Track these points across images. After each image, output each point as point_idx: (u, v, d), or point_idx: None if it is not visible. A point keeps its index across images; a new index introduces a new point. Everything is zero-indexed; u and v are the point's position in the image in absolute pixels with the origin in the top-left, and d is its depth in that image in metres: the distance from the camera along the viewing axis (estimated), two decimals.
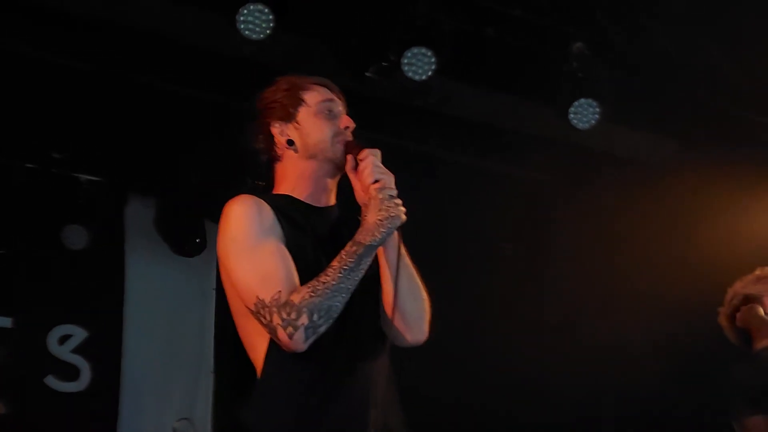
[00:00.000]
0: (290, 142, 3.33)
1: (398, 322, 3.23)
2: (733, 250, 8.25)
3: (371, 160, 3.19)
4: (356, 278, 3.06)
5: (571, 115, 7.07)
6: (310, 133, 3.32)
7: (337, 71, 6.40)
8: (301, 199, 3.32)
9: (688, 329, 8.55)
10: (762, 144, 8.03)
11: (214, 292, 8.67)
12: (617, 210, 8.38)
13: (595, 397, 9.22)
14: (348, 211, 3.41)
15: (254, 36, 5.99)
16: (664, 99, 7.60)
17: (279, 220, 3.18)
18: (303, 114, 3.34)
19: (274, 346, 3.11)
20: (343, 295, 3.03)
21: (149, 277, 8.47)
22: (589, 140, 7.75)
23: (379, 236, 3.08)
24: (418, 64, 6.46)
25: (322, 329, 3.01)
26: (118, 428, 8.13)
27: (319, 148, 3.31)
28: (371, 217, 3.10)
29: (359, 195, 3.27)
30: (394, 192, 3.14)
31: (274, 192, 3.37)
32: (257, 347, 3.17)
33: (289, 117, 3.34)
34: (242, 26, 5.96)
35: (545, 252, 9.28)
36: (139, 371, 8.31)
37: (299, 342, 3.00)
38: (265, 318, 3.04)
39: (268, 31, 5.99)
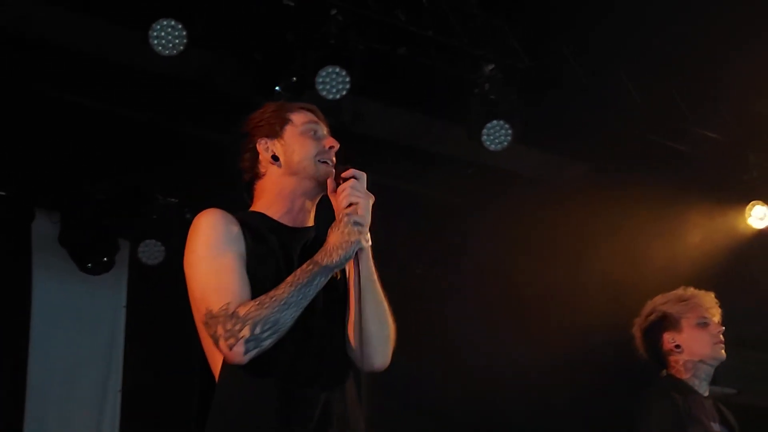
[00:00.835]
0: (275, 158, 3.37)
1: (363, 347, 3.23)
2: (635, 272, 8.38)
3: (351, 183, 3.22)
4: (308, 295, 3.07)
5: (484, 137, 7.13)
6: (294, 150, 3.36)
7: (248, 87, 6.40)
8: (275, 218, 3.35)
9: (590, 351, 8.67)
10: (668, 167, 8.16)
11: (124, 309, 8.59)
12: (525, 230, 8.46)
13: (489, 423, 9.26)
14: (325, 233, 3.40)
15: (167, 51, 5.95)
16: (573, 121, 7.70)
17: (245, 235, 3.22)
18: (289, 132, 3.39)
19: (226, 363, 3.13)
20: (292, 310, 3.04)
21: (56, 293, 8.37)
22: (498, 161, 7.82)
23: (336, 258, 3.09)
24: (332, 83, 6.48)
25: (267, 343, 3.02)
26: None
27: (302, 166, 3.34)
28: (332, 238, 3.12)
29: (336, 213, 3.27)
30: (362, 219, 3.15)
31: (251, 209, 3.40)
32: (214, 357, 3.18)
33: (275, 134, 3.39)
34: (155, 41, 5.91)
35: (455, 272, 9.34)
36: (44, 390, 8.20)
37: (239, 354, 3.01)
38: (211, 328, 3.06)
39: (181, 47, 5.95)
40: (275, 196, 3.38)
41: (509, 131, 7.18)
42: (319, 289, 3.12)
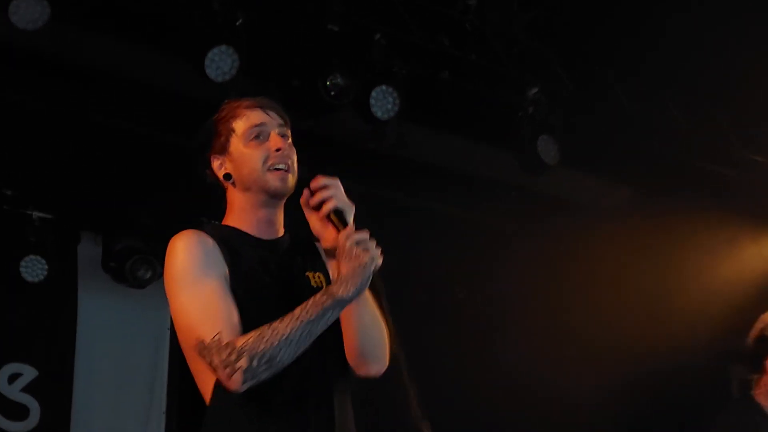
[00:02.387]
0: (227, 176, 3.21)
1: (361, 355, 3.15)
2: (681, 298, 8.33)
3: (327, 190, 3.09)
4: (315, 331, 2.94)
5: (537, 150, 7.09)
6: (242, 164, 3.19)
7: (293, 113, 6.42)
8: (248, 232, 3.21)
9: (633, 377, 8.60)
10: (714, 192, 8.11)
11: (168, 331, 8.62)
12: (570, 255, 8.41)
13: None
14: (300, 238, 3.31)
15: (219, 78, 5.93)
16: (618, 146, 7.66)
17: (223, 252, 3.09)
18: (234, 144, 3.21)
19: (219, 386, 3.03)
20: (293, 347, 2.92)
21: (102, 315, 8.43)
22: (542, 185, 7.80)
23: (352, 289, 2.94)
24: (383, 101, 6.47)
25: (264, 376, 2.92)
26: None
27: (252, 179, 3.17)
28: (343, 267, 2.95)
29: (315, 229, 3.17)
30: (363, 237, 2.99)
31: (224, 223, 3.26)
32: (204, 382, 3.09)
33: (223, 149, 3.22)
34: (209, 68, 5.90)
35: (498, 297, 9.31)
36: (89, 411, 8.25)
37: (236, 383, 2.91)
38: (206, 358, 2.96)
39: (233, 72, 5.95)
40: (240, 211, 3.22)
41: (557, 148, 7.16)
42: (329, 323, 2.98)
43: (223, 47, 5.91)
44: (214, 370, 2.96)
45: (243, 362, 2.90)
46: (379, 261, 2.99)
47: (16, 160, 7.25)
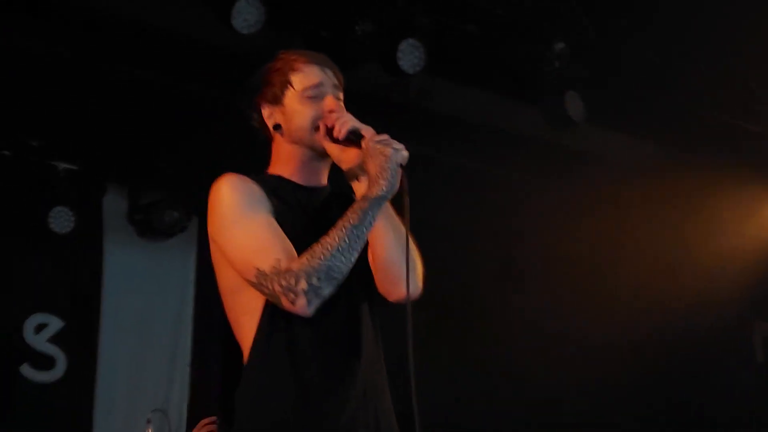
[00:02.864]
0: (276, 127, 3.31)
1: (391, 275, 3.20)
2: (705, 253, 8.32)
3: (343, 115, 3.19)
4: (360, 235, 3.02)
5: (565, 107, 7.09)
6: (293, 118, 3.27)
7: None
8: (291, 179, 3.29)
9: (665, 329, 8.62)
10: (739, 149, 8.08)
11: (192, 284, 8.67)
12: (593, 209, 8.42)
13: (584, 397, 9.21)
14: (340, 190, 3.39)
15: (245, 30, 5.93)
16: (643, 101, 7.64)
17: (267, 195, 3.17)
18: (289, 98, 3.29)
19: (263, 325, 3.10)
20: (346, 254, 2.99)
21: (127, 267, 8.48)
22: (567, 140, 7.79)
23: (384, 183, 3.04)
24: (410, 56, 6.45)
25: (326, 292, 2.98)
26: (93, 418, 8.14)
27: (299, 135, 3.27)
28: (371, 166, 3.06)
29: (336, 157, 3.25)
30: (386, 136, 3.10)
31: (267, 171, 3.35)
32: (244, 326, 3.14)
33: (276, 100, 3.30)
34: (235, 20, 5.89)
35: (520, 250, 9.32)
36: (114, 361, 8.32)
37: (303, 307, 2.98)
38: (267, 288, 3.02)
39: (259, 25, 5.95)
40: (287, 160, 3.32)
41: (583, 104, 7.15)
42: (372, 225, 3.05)
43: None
44: (277, 299, 3.01)
45: (303, 284, 2.96)
46: (405, 153, 3.08)
47: (42, 111, 7.26)
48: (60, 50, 6.68)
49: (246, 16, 5.92)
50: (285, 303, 3.00)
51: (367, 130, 3.16)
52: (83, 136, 7.67)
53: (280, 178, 3.29)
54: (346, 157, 3.22)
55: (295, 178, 3.30)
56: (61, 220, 7.79)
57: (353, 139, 3.16)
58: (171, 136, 7.61)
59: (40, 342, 8.06)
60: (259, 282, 3.04)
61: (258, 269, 3.03)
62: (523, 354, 8.88)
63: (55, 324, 8.12)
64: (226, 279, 3.19)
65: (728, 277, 8.67)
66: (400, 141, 3.15)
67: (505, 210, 8.77)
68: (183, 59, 6.73)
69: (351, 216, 3.03)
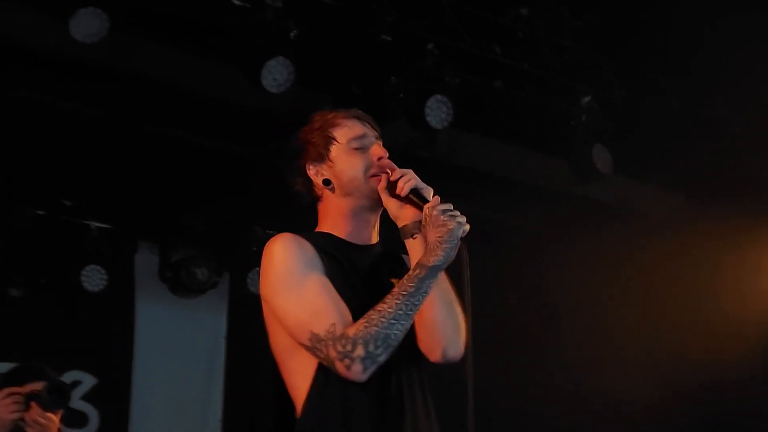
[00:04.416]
0: (326, 182, 3.28)
1: (435, 337, 3.19)
2: (738, 305, 8.27)
3: (408, 172, 3.17)
4: (416, 303, 3.02)
5: (593, 161, 7.12)
6: (343, 170, 3.26)
7: None
8: (342, 237, 3.29)
9: (684, 388, 8.55)
10: (766, 199, 8.06)
11: (224, 340, 8.69)
12: (622, 262, 8.39)
13: None
14: (391, 248, 3.38)
15: (275, 89, 5.99)
16: (671, 153, 7.65)
17: (319, 255, 3.16)
18: (335, 152, 3.28)
19: (316, 385, 3.11)
20: (402, 322, 3.00)
21: (159, 324, 8.53)
22: (594, 192, 7.80)
23: (442, 254, 3.02)
24: (438, 111, 6.50)
25: (382, 358, 2.99)
26: None
27: (354, 186, 3.25)
28: (431, 236, 3.04)
29: (393, 212, 3.23)
30: (449, 206, 3.09)
31: (317, 230, 3.34)
32: (299, 386, 3.15)
33: (321, 157, 3.29)
34: (265, 79, 5.96)
35: (550, 303, 9.30)
36: (147, 419, 8.34)
37: (358, 373, 2.98)
38: (321, 352, 3.02)
39: (289, 84, 6.01)
40: (336, 216, 3.30)
41: (611, 157, 7.17)
42: (428, 294, 3.06)
43: (280, 58, 5.96)
44: (332, 364, 3.02)
45: (360, 350, 2.98)
46: (467, 227, 3.08)
47: (74, 171, 7.35)
48: (92, 110, 6.78)
49: (276, 76, 5.98)
50: (340, 368, 3.00)
51: (428, 192, 3.16)
52: (115, 195, 7.76)
53: (330, 236, 3.29)
54: (403, 215, 3.21)
55: (346, 236, 3.29)
56: (94, 278, 7.87)
57: (415, 200, 3.16)
58: (201, 195, 7.68)
59: (74, 400, 8.06)
60: (313, 346, 3.04)
61: (312, 333, 3.03)
62: (552, 409, 8.84)
63: (88, 381, 8.17)
64: (279, 340, 3.18)
65: (758, 329, 8.61)
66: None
67: (533, 263, 8.76)
68: (213, 118, 6.81)
69: (407, 284, 3.03)
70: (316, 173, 3.31)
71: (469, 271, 3.11)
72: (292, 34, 6.09)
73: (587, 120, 7.15)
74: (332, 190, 3.30)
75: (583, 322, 8.92)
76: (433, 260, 3.03)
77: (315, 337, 3.03)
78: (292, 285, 3.09)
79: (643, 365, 8.61)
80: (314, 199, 3.35)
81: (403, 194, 3.17)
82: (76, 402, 8.07)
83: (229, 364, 8.71)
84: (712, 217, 7.89)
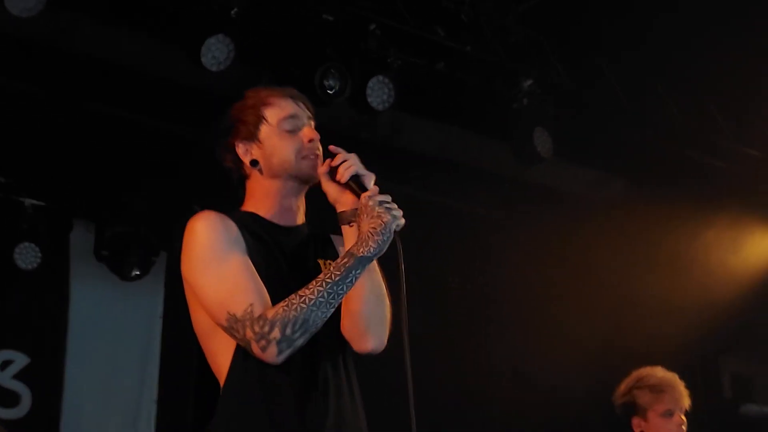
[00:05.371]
0: (254, 163, 3.26)
1: (359, 327, 3.18)
2: (672, 289, 8.34)
3: (351, 157, 3.15)
4: (340, 292, 2.99)
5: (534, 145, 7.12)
6: (273, 153, 3.24)
7: None
8: (267, 218, 3.26)
9: (628, 368, 8.61)
10: (705, 183, 8.12)
11: (160, 319, 8.62)
12: (562, 246, 8.43)
13: None
14: (317, 229, 3.36)
15: (214, 67, 5.92)
16: (611, 137, 7.68)
17: (243, 234, 3.13)
18: (264, 132, 3.25)
19: (235, 364, 3.08)
20: (324, 309, 2.97)
21: (93, 303, 8.44)
22: (536, 176, 7.82)
23: (374, 246, 2.99)
24: (379, 92, 6.46)
25: (299, 342, 2.96)
26: None
27: (283, 168, 3.23)
28: (364, 226, 3.02)
29: (332, 197, 3.20)
30: (387, 198, 3.06)
31: (242, 209, 3.30)
32: (219, 366, 3.13)
33: (251, 136, 3.26)
34: (206, 57, 5.88)
35: (490, 287, 9.32)
36: (80, 398, 8.26)
37: (272, 355, 2.96)
38: (238, 332, 2.99)
39: (228, 63, 5.94)
40: (263, 197, 3.28)
41: (551, 140, 7.18)
42: (354, 283, 3.03)
43: (219, 36, 5.90)
44: (248, 345, 2.99)
45: (276, 333, 2.95)
46: (402, 221, 3.05)
47: (9, 148, 7.24)
48: (30, 87, 6.68)
49: (215, 53, 5.91)
50: (255, 349, 2.97)
51: (369, 179, 3.14)
52: (50, 173, 7.65)
53: (255, 216, 3.26)
54: (342, 200, 3.19)
55: (271, 217, 3.26)
56: (28, 256, 7.77)
57: (354, 187, 3.14)
58: (138, 173, 7.59)
59: (6, 379, 8.01)
60: (230, 326, 3.01)
61: (230, 313, 3.00)
62: (493, 392, 8.87)
63: (20, 360, 8.08)
64: (200, 320, 3.15)
65: (693, 312, 8.68)
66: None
67: (474, 246, 8.77)
68: (151, 96, 6.73)
69: (334, 271, 3.00)
70: (245, 152, 3.27)
71: (403, 265, 3.06)
72: (233, 11, 6.03)
73: (529, 103, 7.15)
74: (260, 171, 3.26)
75: (524, 305, 8.96)
76: (363, 251, 3.01)
77: (232, 318, 3.00)
78: (212, 264, 3.06)
79: (581, 350, 8.64)
80: (242, 177, 3.32)
81: (343, 181, 3.14)
82: (8, 381, 7.99)
83: (165, 344, 8.64)
84: (652, 202, 7.94)
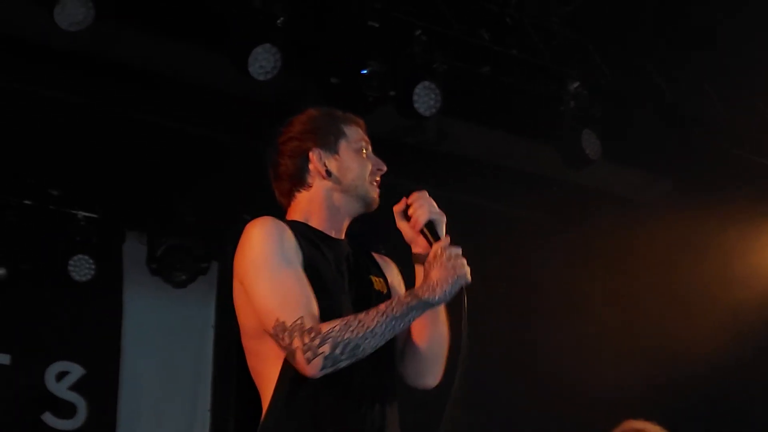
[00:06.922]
0: (328, 173, 3.26)
1: (420, 364, 3.26)
2: (722, 292, 8.27)
3: (424, 198, 3.18)
4: (397, 328, 3.02)
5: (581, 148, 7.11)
6: (349, 167, 3.26)
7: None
8: (317, 228, 3.26)
9: (676, 375, 8.54)
10: (754, 183, 8.06)
11: (212, 329, 8.68)
12: (611, 249, 8.39)
13: None
14: (358, 245, 3.38)
15: (261, 76, 5.96)
16: (659, 138, 7.64)
17: (300, 243, 3.14)
18: (344, 147, 3.27)
19: (284, 375, 3.09)
20: (377, 340, 2.99)
21: (147, 313, 8.51)
22: (583, 179, 7.80)
23: (439, 294, 3.02)
24: (426, 98, 6.48)
25: (343, 364, 2.98)
26: None
27: (355, 185, 3.26)
28: (434, 273, 3.03)
29: (407, 236, 3.23)
30: (460, 251, 3.08)
31: (289, 218, 3.29)
32: (264, 372, 3.14)
33: (330, 147, 3.27)
34: (252, 67, 5.93)
35: (539, 291, 9.29)
36: (135, 408, 8.33)
37: (315, 368, 2.96)
38: (283, 340, 2.99)
39: (275, 71, 5.98)
40: (320, 208, 3.27)
41: (599, 142, 7.16)
42: (410, 324, 3.08)
43: (266, 46, 5.94)
44: (291, 354, 2.99)
45: (326, 348, 2.95)
46: (469, 279, 3.07)
47: (61, 160, 7.33)
48: (80, 100, 6.76)
49: (262, 63, 5.95)
50: (299, 358, 2.97)
51: (441, 224, 3.16)
52: (102, 184, 7.73)
53: (307, 227, 3.26)
54: (418, 242, 3.22)
55: (322, 228, 3.27)
56: (82, 268, 7.84)
57: (427, 234, 3.17)
58: (188, 182, 7.66)
59: (62, 390, 8.09)
60: (276, 333, 3.02)
61: (278, 320, 3.00)
62: (541, 397, 8.84)
63: (76, 372, 8.16)
64: (249, 322, 3.16)
65: (746, 312, 8.61)
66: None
67: (520, 250, 8.75)
68: (200, 105, 6.79)
69: (396, 307, 3.02)
70: (319, 159, 3.27)
71: (467, 316, 3.13)
72: (279, 21, 6.07)
73: (576, 105, 7.13)
74: (331, 181, 3.27)
75: (571, 310, 8.92)
76: (428, 296, 3.03)
77: (280, 325, 3.00)
78: (267, 271, 3.07)
79: (631, 353, 8.60)
80: (298, 184, 3.31)
81: (416, 229, 3.18)
82: (65, 392, 8.07)
83: (218, 353, 8.69)
84: (700, 203, 7.89)
